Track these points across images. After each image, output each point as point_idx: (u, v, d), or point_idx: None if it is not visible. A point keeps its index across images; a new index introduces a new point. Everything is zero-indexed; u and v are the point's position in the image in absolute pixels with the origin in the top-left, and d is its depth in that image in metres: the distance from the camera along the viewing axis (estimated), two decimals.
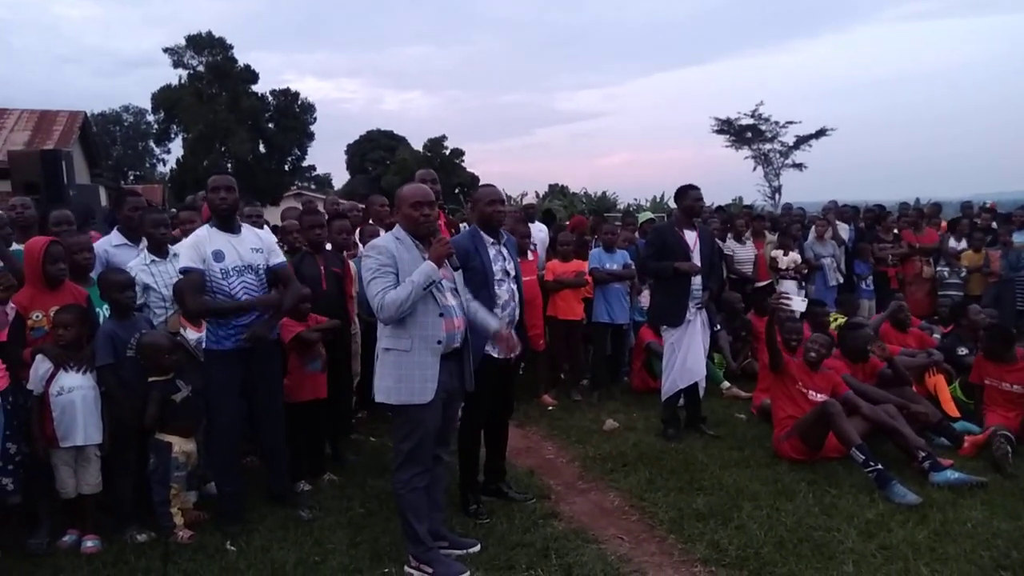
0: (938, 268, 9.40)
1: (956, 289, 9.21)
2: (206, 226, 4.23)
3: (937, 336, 7.33)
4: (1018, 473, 4.80)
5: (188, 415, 4.20)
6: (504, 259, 4.29)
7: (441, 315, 3.58)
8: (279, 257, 4.40)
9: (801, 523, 4.13)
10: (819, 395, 5.20)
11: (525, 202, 7.22)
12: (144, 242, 4.72)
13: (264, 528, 4.16)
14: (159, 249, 4.62)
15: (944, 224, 10.73)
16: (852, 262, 9.43)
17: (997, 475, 4.80)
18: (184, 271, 4.06)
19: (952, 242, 9.69)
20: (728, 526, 4.12)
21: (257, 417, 4.37)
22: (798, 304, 5.42)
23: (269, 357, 4.27)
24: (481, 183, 4.64)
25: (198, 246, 4.08)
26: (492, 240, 4.27)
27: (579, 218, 9.83)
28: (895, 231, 9.81)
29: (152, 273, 4.53)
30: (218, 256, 4.08)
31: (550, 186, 32.34)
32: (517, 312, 4.32)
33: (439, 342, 3.56)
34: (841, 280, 9.31)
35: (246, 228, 4.36)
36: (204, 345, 4.19)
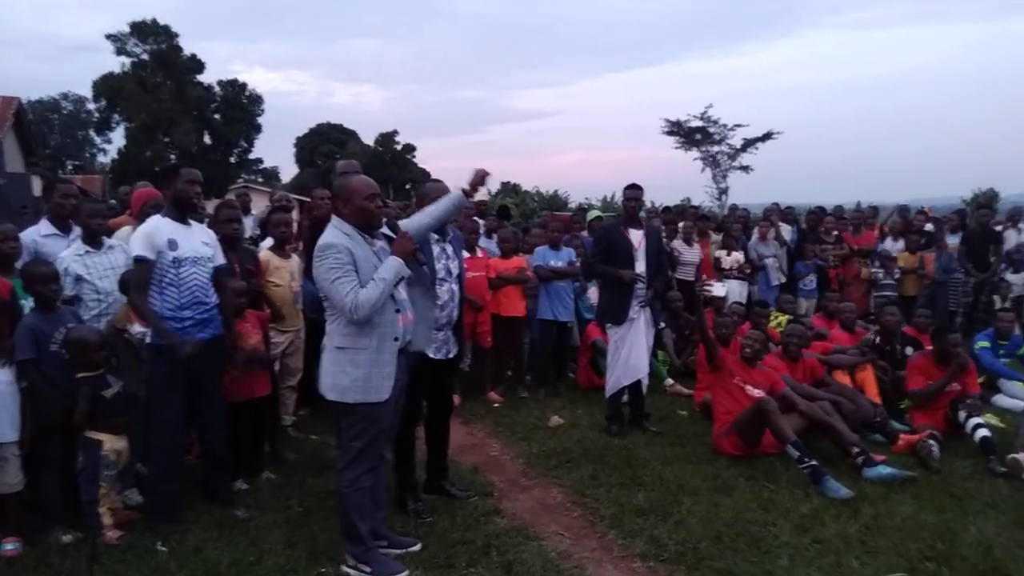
0: (873, 269, 9.67)
1: (891, 290, 9.48)
2: (158, 216, 4.11)
3: (870, 335, 7.52)
4: (944, 469, 4.96)
5: (119, 412, 4.05)
6: (448, 257, 4.23)
7: (397, 311, 3.54)
8: (222, 258, 4.30)
9: (738, 517, 4.20)
10: (756, 390, 5.29)
11: (477, 199, 7.18)
12: (75, 232, 4.55)
13: (198, 528, 4.04)
14: (93, 240, 4.46)
15: (881, 226, 11.05)
16: (794, 262, 9.63)
17: (926, 471, 4.95)
18: (137, 260, 3.94)
19: (889, 243, 9.98)
20: (668, 521, 4.17)
21: (200, 414, 4.24)
22: (719, 290, 5.58)
23: (214, 352, 4.15)
24: (432, 178, 4.54)
25: (152, 235, 3.96)
26: (437, 237, 4.20)
27: None
28: (836, 233, 10.05)
29: (86, 264, 4.37)
30: (172, 244, 3.97)
31: (502, 184, 32.41)
32: (456, 312, 4.28)
33: (396, 339, 3.52)
34: (783, 280, 9.50)
35: (195, 223, 4.26)
36: (148, 340, 4.05)
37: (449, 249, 4.25)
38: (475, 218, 7.78)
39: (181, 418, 4.08)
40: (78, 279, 4.32)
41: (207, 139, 45.52)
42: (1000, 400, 6.48)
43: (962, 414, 5.40)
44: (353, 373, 3.43)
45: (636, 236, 5.77)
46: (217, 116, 45.63)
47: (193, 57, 43.88)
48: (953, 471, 4.95)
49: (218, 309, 4.19)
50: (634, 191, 5.87)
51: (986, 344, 6.87)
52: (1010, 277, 9.75)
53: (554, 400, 6.92)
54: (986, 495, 4.54)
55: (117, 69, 43.90)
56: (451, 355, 4.33)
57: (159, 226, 4.01)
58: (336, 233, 3.48)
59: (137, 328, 4.21)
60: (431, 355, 4.14)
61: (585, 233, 8.67)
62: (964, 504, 4.39)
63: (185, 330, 3.98)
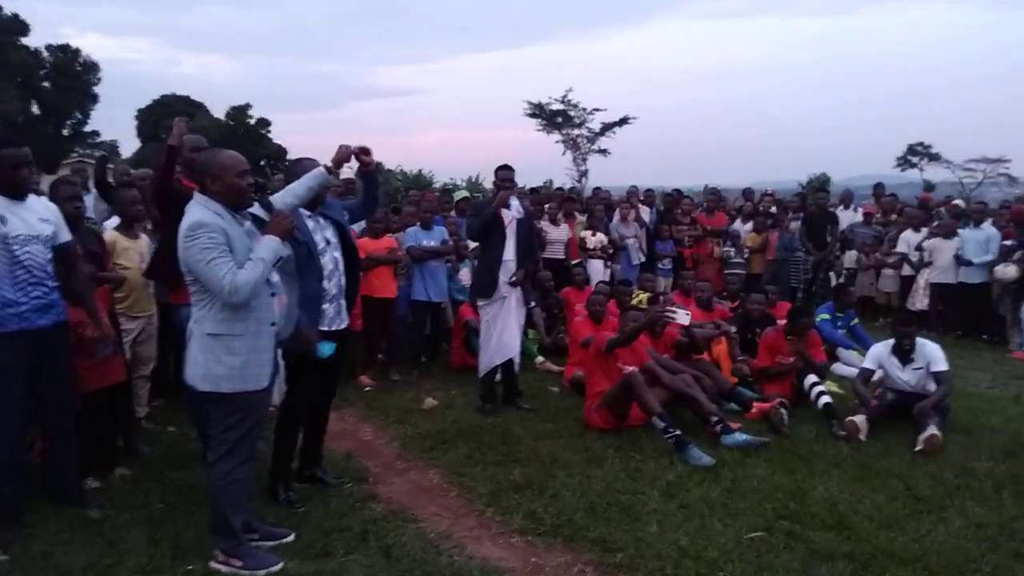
0: (724, 248, 10.26)
1: (740, 268, 10.10)
2: None
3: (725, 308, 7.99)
4: (792, 434, 5.36)
5: None
6: (321, 227, 4.09)
7: (272, 294, 3.38)
8: (67, 234, 3.90)
9: (610, 488, 4.35)
10: (627, 367, 5.49)
11: (343, 177, 6.98)
12: None
13: (45, 532, 3.69)
14: None
15: (729, 208, 11.74)
16: (653, 243, 10.06)
17: (778, 436, 5.33)
18: None
19: (738, 224, 10.61)
20: (543, 495, 4.25)
21: (42, 407, 3.85)
22: (683, 318, 5.77)
23: (57, 339, 3.77)
24: (300, 157, 4.35)
25: None
26: (308, 212, 4.03)
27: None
28: (691, 215, 10.57)
29: None
30: (1, 221, 3.54)
31: None
32: (343, 280, 4.16)
33: (272, 324, 3.37)
34: (643, 259, 9.91)
35: (32, 197, 3.81)
36: None
37: (320, 219, 4.10)
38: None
39: (20, 413, 3.68)
40: None
41: (35, 109, 41.42)
42: (838, 368, 7.07)
43: (807, 381, 5.85)
44: (229, 361, 3.24)
45: (507, 215, 5.80)
46: (46, 84, 41.58)
47: (15, 17, 39.68)
48: (800, 435, 5.35)
49: (61, 291, 3.81)
50: (506, 172, 5.90)
51: (826, 316, 7.47)
52: (845, 255, 10.66)
53: (427, 382, 6.88)
54: (830, 456, 4.94)
55: None
56: (343, 327, 4.19)
57: None
58: (205, 212, 3.25)
59: None
60: (323, 327, 4.01)
61: (453, 214, 8.63)
62: (812, 465, 4.75)
63: (22, 315, 3.59)
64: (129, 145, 50.63)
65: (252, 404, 3.34)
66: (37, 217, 3.72)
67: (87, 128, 45.87)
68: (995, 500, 4.27)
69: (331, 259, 4.09)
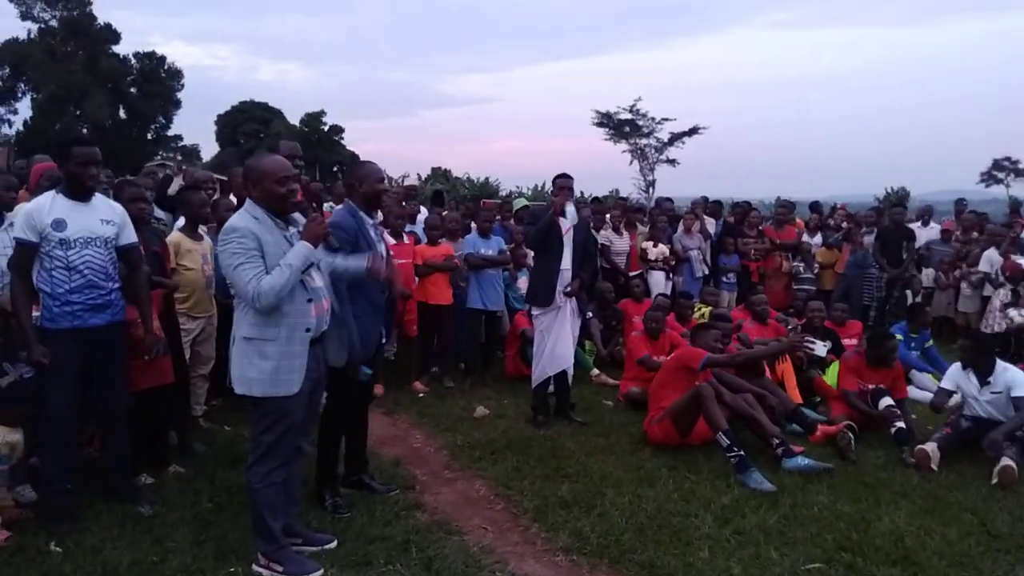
0: (794, 263, 9.92)
1: (810, 284, 9.74)
2: (51, 192, 3.78)
3: (791, 327, 7.70)
4: (858, 460, 5.09)
5: (15, 402, 3.76)
6: (378, 240, 4.11)
7: (309, 300, 3.36)
8: (132, 236, 4.00)
9: (661, 509, 4.20)
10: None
11: (406, 183, 7.06)
12: None
13: (98, 527, 3.77)
14: None
15: (800, 222, 11.36)
16: (717, 256, 9.79)
17: (843, 461, 5.06)
18: (16, 242, 3.64)
19: (806, 238, 10.25)
20: (591, 513, 4.13)
21: (96, 405, 3.95)
22: (820, 350, 5.60)
23: (111, 338, 3.86)
24: (363, 160, 4.39)
25: (34, 215, 3.64)
26: (372, 221, 4.09)
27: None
28: (759, 227, 10.27)
29: None
30: (59, 225, 3.65)
31: (433, 169, 32.04)
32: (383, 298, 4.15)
33: (307, 330, 3.35)
34: (707, 272, 9.66)
35: (99, 197, 3.92)
36: (39, 323, 3.73)
37: (378, 230, 4.14)
38: (404, 203, 7.62)
39: (73, 409, 3.78)
40: None
41: (122, 113, 43.42)
42: (912, 392, 6.71)
43: (882, 403, 5.54)
44: (260, 365, 3.25)
45: (565, 224, 5.71)
46: (133, 90, 43.54)
47: (108, 27, 41.72)
48: (867, 462, 5.08)
49: (120, 292, 3.90)
50: (564, 179, 5.82)
51: (899, 337, 7.11)
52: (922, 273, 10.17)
53: (481, 390, 6.82)
54: (898, 485, 4.66)
55: (23, 35, 41.37)
56: (384, 341, 4.21)
57: (44, 205, 3.68)
58: (244, 216, 3.30)
59: (33, 312, 3.89)
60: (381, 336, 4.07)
61: (512, 222, 8.59)
62: (878, 494, 4.50)
63: (75, 314, 3.69)
64: (209, 149, 52.56)
65: (285, 409, 3.33)
66: (99, 218, 3.81)
67: (170, 132, 47.83)
68: None
69: None
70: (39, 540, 3.60)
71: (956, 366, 5.59)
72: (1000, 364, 5.38)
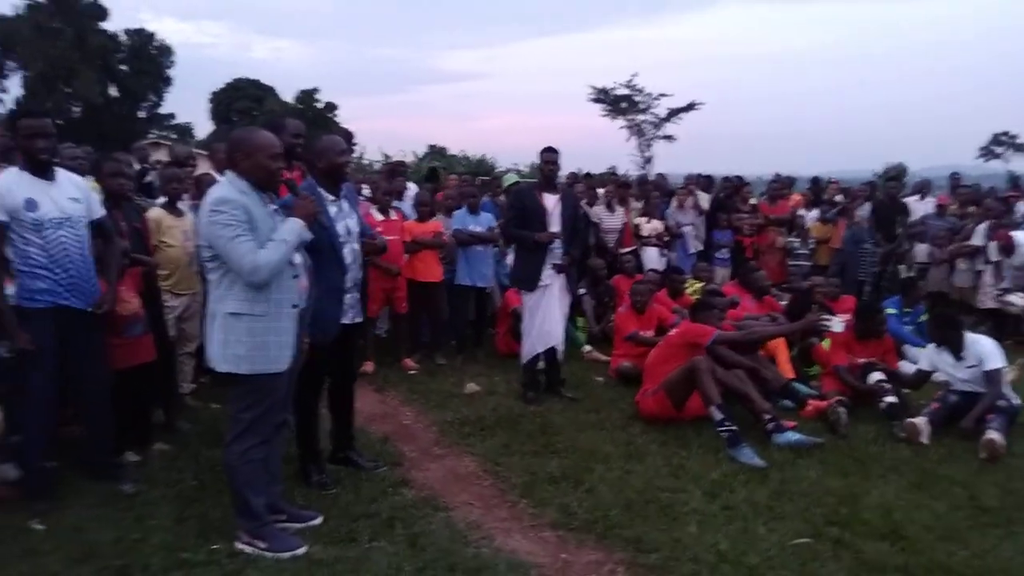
0: (789, 239, 9.85)
1: (805, 259, 9.68)
2: (14, 170, 3.69)
3: (784, 303, 7.65)
4: (849, 434, 5.06)
5: None
6: (345, 215, 3.98)
7: (295, 276, 3.32)
8: (100, 210, 3.93)
9: (650, 484, 4.17)
10: None
11: (396, 159, 6.90)
12: None
13: (81, 504, 3.75)
14: None
15: (797, 197, 11.27)
16: (711, 231, 9.72)
17: (833, 436, 5.03)
18: None
19: (801, 213, 10.17)
20: (579, 489, 4.11)
21: (77, 383, 3.90)
22: (837, 326, 5.51)
23: (89, 318, 3.80)
24: (321, 135, 4.25)
25: (3, 194, 3.55)
26: (332, 197, 3.92)
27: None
28: (752, 202, 10.18)
29: None
30: (30, 205, 3.57)
31: (430, 147, 31.78)
32: (360, 274, 4.07)
33: (294, 306, 3.31)
34: (701, 248, 9.60)
35: (63, 174, 3.82)
36: (16, 302, 3.67)
37: (344, 206, 4.00)
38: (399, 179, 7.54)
39: (52, 387, 3.72)
40: None
41: (113, 91, 42.96)
42: (905, 366, 6.68)
43: (871, 378, 5.52)
44: (249, 342, 3.19)
45: (551, 200, 5.64)
46: (124, 67, 43.05)
47: (95, 3, 41.13)
48: (858, 436, 5.04)
49: (95, 271, 3.83)
50: (551, 154, 5.71)
51: (893, 311, 7.07)
52: (916, 247, 10.09)
53: (472, 367, 6.79)
54: (888, 460, 4.63)
55: (9, 12, 40.81)
56: (357, 319, 4.12)
57: (11, 183, 3.60)
58: (230, 188, 3.22)
59: (9, 289, 3.82)
60: (344, 321, 3.96)
61: (503, 198, 8.50)
62: (867, 468, 4.48)
63: (52, 292, 3.63)
64: (204, 128, 52.08)
65: (270, 386, 3.29)
66: (67, 197, 3.73)
67: (162, 110, 47.38)
68: None
69: (351, 251, 3.97)
70: (21, 518, 3.57)
71: (930, 346, 5.56)
72: (969, 337, 5.33)
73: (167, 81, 45.32)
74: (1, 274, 3.57)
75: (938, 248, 9.86)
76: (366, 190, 7.21)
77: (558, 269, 5.66)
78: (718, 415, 4.77)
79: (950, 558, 3.41)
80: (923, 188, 11.56)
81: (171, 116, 49.65)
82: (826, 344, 6.35)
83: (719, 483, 4.21)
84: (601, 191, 9.27)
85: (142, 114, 45.46)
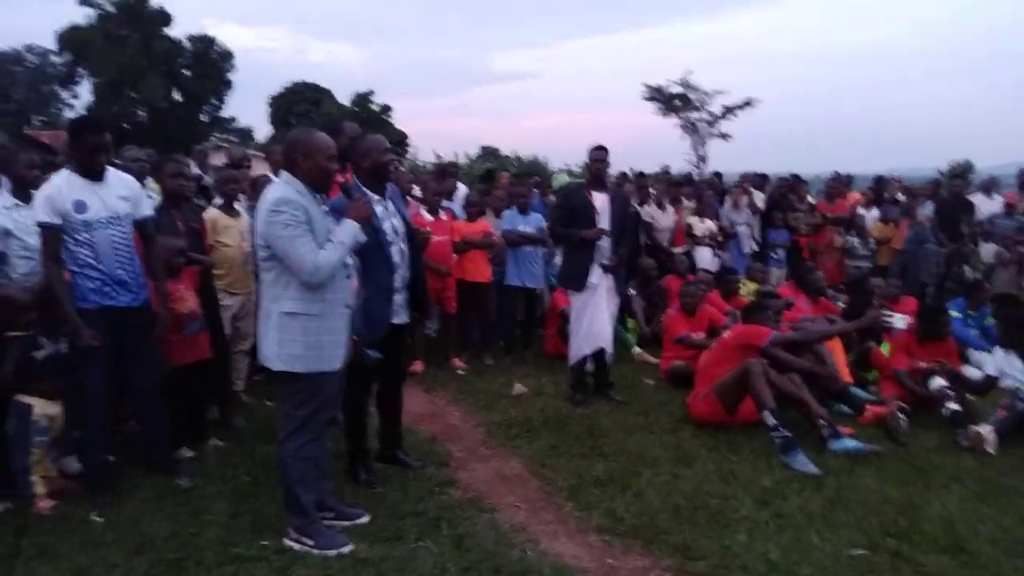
0: (849, 238, 9.58)
1: (865, 260, 9.41)
2: (64, 172, 3.81)
3: (841, 304, 7.45)
4: (909, 442, 4.88)
5: (52, 375, 3.84)
6: (391, 215, 4.01)
7: (348, 277, 3.39)
8: (147, 210, 4.04)
9: (699, 490, 4.09)
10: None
11: (447, 160, 6.99)
12: (5, 184, 4.27)
13: (138, 498, 3.87)
14: (23, 192, 4.18)
15: (857, 196, 10.96)
16: (767, 231, 9.52)
17: (893, 443, 4.87)
18: (40, 226, 3.68)
19: (862, 212, 9.89)
20: (626, 493, 4.06)
21: (129, 382, 4.02)
22: (899, 323, 5.37)
23: (139, 316, 3.90)
24: (364, 134, 4.27)
25: (54, 198, 3.66)
26: (377, 197, 3.94)
27: None
28: (810, 201, 9.94)
29: (14, 218, 4.12)
30: (80, 207, 3.68)
31: (483, 148, 31.90)
32: (408, 274, 4.07)
33: (347, 306, 3.38)
34: (756, 248, 9.40)
35: (112, 173, 3.93)
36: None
37: (390, 206, 4.03)
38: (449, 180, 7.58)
39: (107, 384, 3.84)
40: (6, 234, 4.06)
41: (177, 96, 44.26)
42: (968, 371, 6.42)
43: (933, 383, 5.32)
44: (304, 341, 3.25)
45: (600, 199, 5.59)
46: (187, 72, 44.32)
47: (160, 10, 42.47)
48: (918, 443, 4.87)
49: (142, 268, 3.94)
50: (600, 152, 5.65)
51: (957, 314, 6.82)
52: (982, 247, 9.72)
53: (520, 368, 6.77)
54: (951, 469, 4.46)
55: (82, 21, 42.41)
56: (406, 320, 4.15)
57: (61, 186, 3.70)
58: (288, 189, 3.27)
59: None
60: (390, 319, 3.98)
61: (552, 198, 8.47)
62: (929, 478, 4.32)
63: (101, 292, 3.75)
64: (263, 130, 53.29)
65: (323, 384, 3.34)
66: (116, 195, 3.84)
67: (224, 114, 48.61)
68: None
69: (398, 251, 3.98)
70: (82, 510, 3.70)
71: (998, 350, 5.33)
72: None
73: (228, 85, 46.43)
74: (61, 274, 3.70)
75: (1006, 248, 9.47)
76: (417, 191, 7.27)
77: (606, 269, 5.60)
78: (771, 420, 4.66)
79: (1015, 574, 3.26)
80: (990, 186, 11.11)
81: (232, 119, 50.90)
82: (885, 349, 6.15)
83: (771, 490, 4.11)
84: (652, 190, 9.16)
85: (204, 118, 46.67)
